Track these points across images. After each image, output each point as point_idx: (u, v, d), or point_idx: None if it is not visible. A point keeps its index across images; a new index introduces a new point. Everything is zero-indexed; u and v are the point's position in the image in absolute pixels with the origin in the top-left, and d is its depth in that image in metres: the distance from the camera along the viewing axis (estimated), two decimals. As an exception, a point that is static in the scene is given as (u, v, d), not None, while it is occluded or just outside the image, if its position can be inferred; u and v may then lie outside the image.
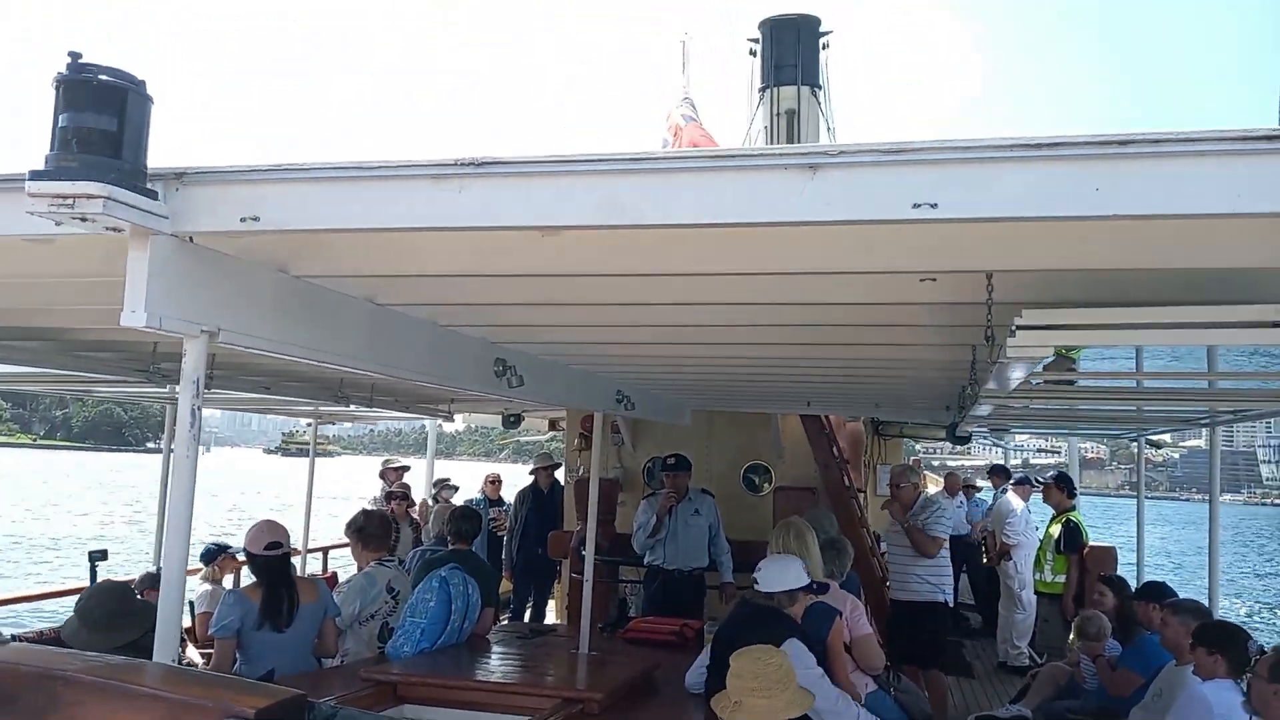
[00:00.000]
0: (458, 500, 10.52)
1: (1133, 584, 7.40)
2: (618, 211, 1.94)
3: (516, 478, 12.15)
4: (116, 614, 3.98)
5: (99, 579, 6.04)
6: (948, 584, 7.18)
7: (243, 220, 2.17)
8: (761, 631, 4.10)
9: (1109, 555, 9.32)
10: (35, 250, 2.57)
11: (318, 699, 1.92)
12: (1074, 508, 9.26)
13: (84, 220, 2.04)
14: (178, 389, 6.40)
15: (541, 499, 10.12)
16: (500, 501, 11.16)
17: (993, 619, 9.86)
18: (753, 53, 11.99)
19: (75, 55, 2.01)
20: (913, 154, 1.83)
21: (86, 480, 64.22)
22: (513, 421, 11.92)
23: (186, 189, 2.20)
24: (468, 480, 11.62)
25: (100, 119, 2.01)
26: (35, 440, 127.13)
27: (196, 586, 7.42)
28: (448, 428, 13.31)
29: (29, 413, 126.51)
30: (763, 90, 11.77)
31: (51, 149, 2.03)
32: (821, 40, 11.89)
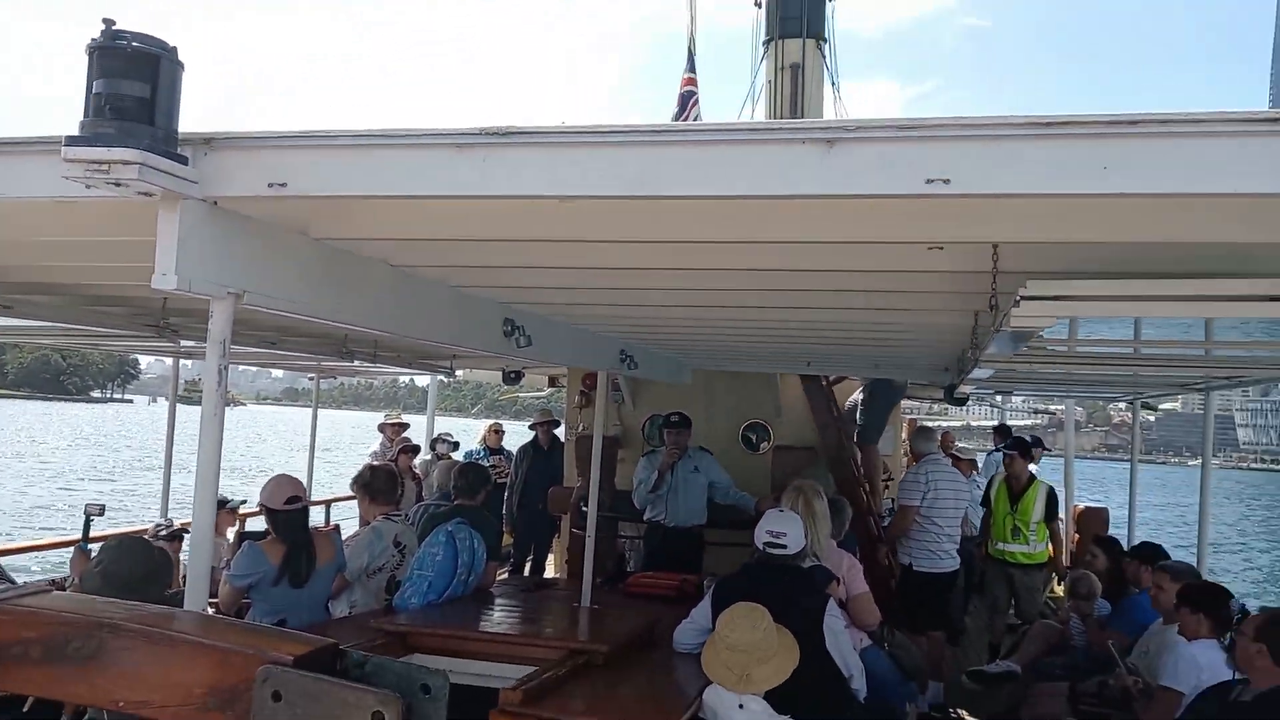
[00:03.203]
0: (457, 455, 10.63)
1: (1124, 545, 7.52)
2: (639, 183, 2.00)
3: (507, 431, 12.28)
4: (139, 571, 4.04)
5: (90, 533, 6.07)
6: (917, 549, 7.35)
7: (270, 185, 2.23)
8: (797, 598, 4.22)
9: (1101, 516, 9.46)
10: (53, 210, 2.62)
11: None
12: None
13: (117, 185, 2.09)
14: (186, 342, 6.43)
15: (541, 455, 10.23)
16: (501, 450, 11.30)
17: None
18: (758, 4, 11.82)
19: (109, 22, 2.05)
20: (927, 130, 1.88)
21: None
22: (513, 378, 11.96)
23: (215, 154, 2.25)
24: (457, 435, 11.74)
25: (134, 85, 2.06)
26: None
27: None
28: (419, 381, 13.39)
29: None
30: (766, 43, 11.63)
31: (86, 115, 2.08)
32: None
